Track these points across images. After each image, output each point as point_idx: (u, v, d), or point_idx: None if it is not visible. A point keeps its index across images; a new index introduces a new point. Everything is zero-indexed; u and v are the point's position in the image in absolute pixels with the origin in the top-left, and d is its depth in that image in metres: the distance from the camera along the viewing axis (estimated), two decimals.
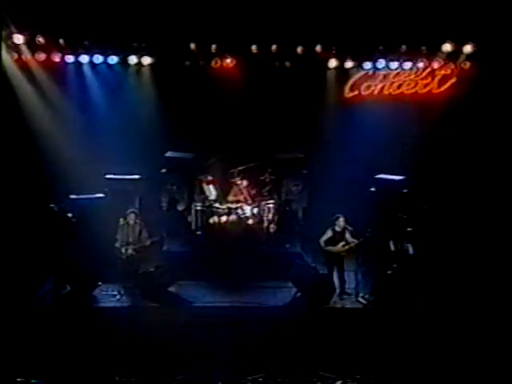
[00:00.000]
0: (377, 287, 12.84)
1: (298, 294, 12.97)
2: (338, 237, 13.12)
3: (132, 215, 13.32)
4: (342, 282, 13.17)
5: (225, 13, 13.47)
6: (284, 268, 13.16)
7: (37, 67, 14.27)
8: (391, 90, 15.01)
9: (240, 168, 15.14)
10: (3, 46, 13.39)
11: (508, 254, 13.07)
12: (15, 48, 13.85)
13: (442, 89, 14.70)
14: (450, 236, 13.75)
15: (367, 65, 14.70)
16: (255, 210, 14.72)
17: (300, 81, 14.83)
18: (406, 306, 12.62)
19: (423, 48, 14.09)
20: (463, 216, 13.86)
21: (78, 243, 13.15)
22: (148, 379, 10.98)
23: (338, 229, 13.10)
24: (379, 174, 14.84)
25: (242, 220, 14.53)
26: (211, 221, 14.72)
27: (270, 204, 14.99)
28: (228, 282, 13.52)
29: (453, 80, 14.55)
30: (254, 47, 14.14)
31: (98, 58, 14.37)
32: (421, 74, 14.74)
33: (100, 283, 13.05)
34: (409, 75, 14.83)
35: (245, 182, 15.07)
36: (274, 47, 14.19)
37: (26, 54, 14.02)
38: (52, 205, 13.08)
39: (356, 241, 12.97)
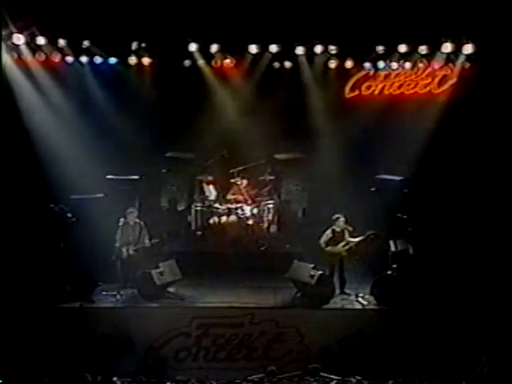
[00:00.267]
0: (377, 287, 12.83)
1: (298, 294, 12.97)
2: (338, 237, 13.10)
3: (132, 215, 13.31)
4: (342, 282, 13.17)
5: (225, 13, 13.45)
6: (284, 268, 13.15)
7: (37, 67, 14.26)
8: (391, 90, 15.00)
9: (240, 168, 15.15)
10: (3, 45, 13.38)
11: (509, 254, 13.06)
12: (15, 48, 13.83)
13: (442, 89, 14.69)
14: (450, 236, 13.74)
15: (367, 65, 14.70)
16: (255, 210, 14.73)
17: (300, 81, 14.82)
18: (405, 306, 12.61)
19: (423, 48, 14.07)
20: (463, 216, 13.84)
21: (78, 243, 13.13)
22: (147, 379, 10.97)
23: (337, 229, 13.09)
24: (379, 174, 14.84)
25: (241, 220, 14.55)
26: (211, 221, 14.74)
27: (270, 204, 15.00)
28: (228, 282, 13.51)
29: (453, 80, 14.53)
30: (253, 47, 14.12)
31: (98, 58, 14.38)
32: (421, 74, 14.74)
33: (100, 283, 13.04)
34: (409, 75, 14.83)
35: (245, 182, 15.08)
36: (273, 47, 14.17)
37: (26, 54, 14.01)
38: (52, 205, 13.06)
39: (356, 240, 12.96)
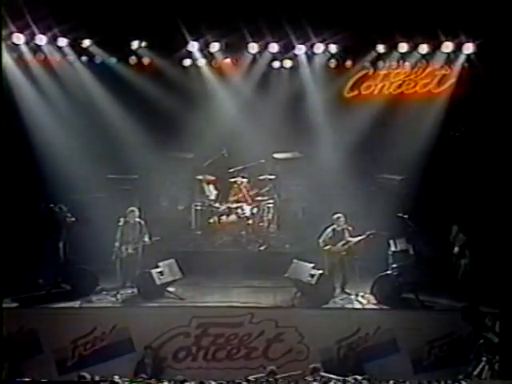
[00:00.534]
0: (377, 287, 12.83)
1: (298, 294, 12.97)
2: (337, 236, 13.10)
3: (132, 214, 13.30)
4: (342, 281, 13.17)
5: (225, 12, 13.45)
6: (284, 268, 13.15)
7: (37, 67, 14.26)
8: (391, 90, 15.01)
9: (240, 167, 15.15)
10: (3, 45, 13.38)
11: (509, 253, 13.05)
12: (15, 48, 13.83)
13: (442, 88, 14.70)
14: (449, 235, 13.74)
15: (367, 64, 14.70)
16: (255, 210, 14.73)
17: (300, 80, 14.82)
18: (405, 305, 12.63)
19: (423, 48, 14.07)
20: (463, 215, 13.84)
21: (78, 243, 13.14)
22: (147, 379, 10.97)
23: (337, 228, 13.09)
24: (379, 174, 14.84)
25: (241, 220, 14.54)
26: (211, 220, 14.74)
27: (270, 204, 15.00)
28: (228, 281, 13.51)
29: (452, 80, 14.54)
30: (253, 46, 14.12)
31: (98, 58, 14.38)
32: (421, 73, 14.74)
33: (100, 283, 13.04)
34: (409, 75, 14.83)
35: (245, 182, 15.08)
36: (273, 47, 14.16)
37: (26, 54, 14.02)
38: (51, 205, 13.07)
39: (356, 240, 12.96)
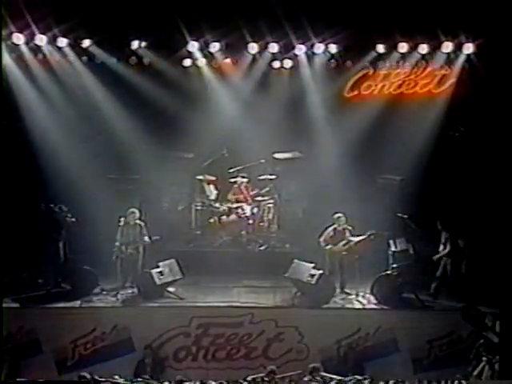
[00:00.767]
0: (377, 287, 12.83)
1: (298, 294, 12.97)
2: (338, 236, 13.11)
3: (133, 214, 13.30)
4: (343, 281, 13.17)
5: (225, 12, 13.46)
6: (284, 268, 13.15)
7: (37, 67, 14.26)
8: (391, 90, 14.99)
9: (240, 167, 15.15)
10: (3, 45, 13.39)
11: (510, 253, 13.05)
12: (15, 48, 13.84)
13: (442, 89, 14.69)
14: (450, 235, 13.72)
15: (367, 64, 14.70)
16: (255, 210, 14.73)
17: (300, 80, 14.83)
18: (405, 305, 12.62)
19: (423, 48, 14.07)
20: (463, 215, 13.84)
21: (78, 243, 13.14)
22: (147, 379, 10.98)
23: (338, 228, 13.10)
24: (379, 174, 14.84)
25: (242, 220, 14.54)
26: (211, 220, 14.75)
27: (270, 204, 15.00)
28: (228, 281, 13.52)
29: (452, 80, 14.54)
30: (253, 46, 14.12)
31: (98, 58, 14.38)
32: (421, 73, 14.73)
33: (100, 283, 13.04)
34: (409, 75, 14.82)
35: (245, 182, 15.08)
36: (273, 46, 14.17)
37: (26, 54, 14.02)
38: (51, 204, 13.07)
39: (356, 240, 12.96)
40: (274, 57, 14.47)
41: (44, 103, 14.44)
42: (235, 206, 14.68)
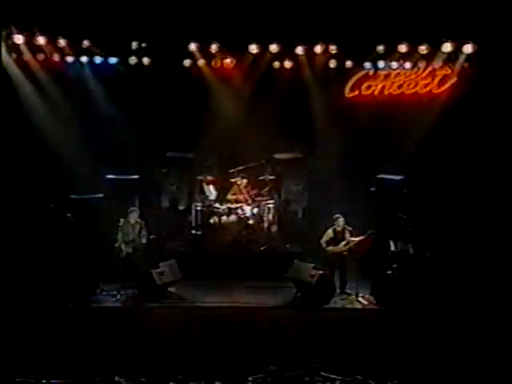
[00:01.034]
0: (377, 287, 12.83)
1: (298, 294, 12.97)
2: (338, 236, 13.11)
3: (133, 214, 13.32)
4: (343, 281, 13.17)
5: (224, 12, 13.46)
6: (284, 268, 13.15)
7: (37, 67, 14.27)
8: (391, 90, 15.01)
9: (240, 168, 15.15)
10: (3, 45, 13.39)
11: (509, 253, 13.06)
12: (15, 48, 13.85)
13: (442, 89, 14.70)
14: (450, 235, 13.74)
15: (367, 65, 14.71)
16: (255, 210, 14.74)
17: (300, 81, 14.83)
18: (406, 305, 12.61)
19: (423, 48, 14.08)
20: (463, 215, 13.84)
21: (78, 243, 13.14)
22: (148, 379, 10.97)
23: (338, 228, 13.10)
24: (379, 174, 14.84)
25: (242, 220, 14.55)
26: (211, 221, 14.74)
27: (270, 204, 15.00)
28: (228, 281, 13.51)
29: (453, 80, 14.55)
30: (253, 47, 14.13)
31: (98, 59, 14.38)
32: (421, 74, 14.75)
33: (100, 283, 13.04)
34: (409, 75, 14.83)
35: (245, 182, 15.08)
36: (274, 47, 14.18)
37: (26, 54, 14.02)
38: (51, 204, 13.07)
39: (356, 240, 12.96)
40: (274, 57, 14.47)
41: (44, 103, 14.45)
42: (235, 206, 14.67)
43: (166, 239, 14.66)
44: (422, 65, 14.49)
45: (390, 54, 14.33)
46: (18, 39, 13.60)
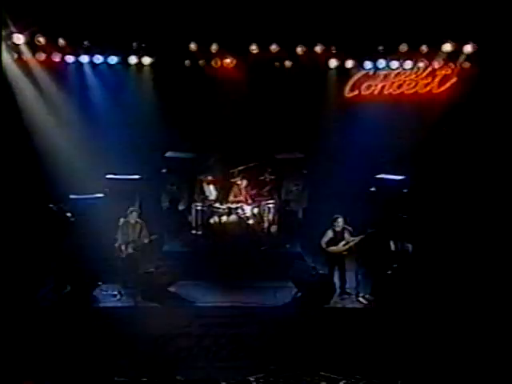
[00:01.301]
0: (377, 287, 12.84)
1: (298, 294, 12.96)
2: (338, 237, 13.11)
3: (133, 214, 13.31)
4: (343, 281, 13.16)
5: (224, 12, 13.47)
6: (284, 268, 13.15)
7: (37, 67, 14.27)
8: (391, 90, 15.01)
9: (240, 168, 15.16)
10: (3, 45, 13.38)
11: (509, 253, 13.06)
12: (15, 48, 13.84)
13: (443, 89, 14.70)
14: (450, 235, 13.74)
15: (367, 64, 14.71)
16: (255, 210, 14.74)
17: (300, 81, 14.83)
18: (406, 305, 12.62)
19: (423, 48, 14.08)
20: (463, 215, 13.85)
21: (78, 243, 13.14)
22: (148, 379, 10.98)
23: (337, 229, 13.10)
24: (379, 174, 14.84)
25: (242, 220, 14.54)
26: (211, 221, 14.73)
27: (270, 204, 15.01)
28: (228, 281, 13.51)
29: (453, 80, 14.56)
30: (253, 47, 14.13)
31: (98, 58, 14.38)
32: (421, 73, 14.75)
33: (100, 283, 13.04)
34: (409, 75, 14.83)
35: (245, 182, 15.08)
36: (273, 47, 14.18)
37: (26, 54, 14.02)
38: (51, 204, 13.06)
39: (356, 239, 12.96)
40: (274, 57, 14.47)
41: (44, 103, 14.44)
42: (235, 206, 14.67)
43: (166, 239, 14.65)
44: (422, 65, 14.49)
45: (391, 54, 14.32)
46: (18, 39, 13.60)
